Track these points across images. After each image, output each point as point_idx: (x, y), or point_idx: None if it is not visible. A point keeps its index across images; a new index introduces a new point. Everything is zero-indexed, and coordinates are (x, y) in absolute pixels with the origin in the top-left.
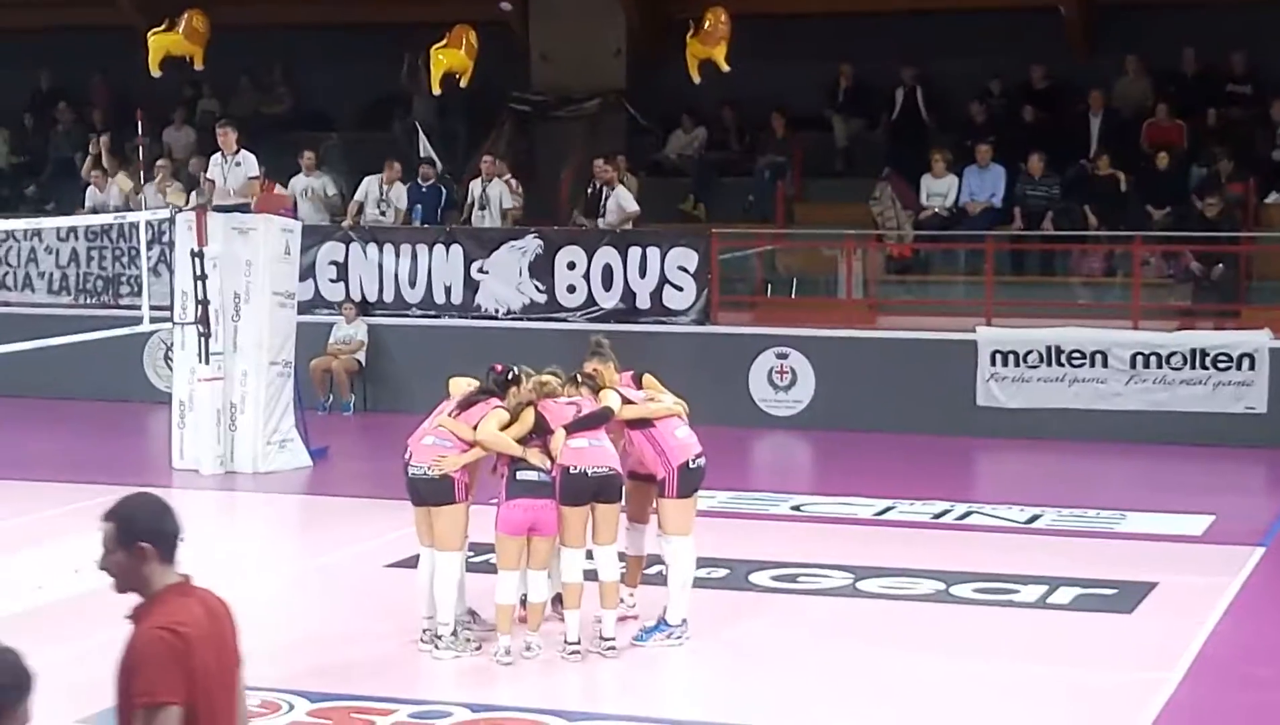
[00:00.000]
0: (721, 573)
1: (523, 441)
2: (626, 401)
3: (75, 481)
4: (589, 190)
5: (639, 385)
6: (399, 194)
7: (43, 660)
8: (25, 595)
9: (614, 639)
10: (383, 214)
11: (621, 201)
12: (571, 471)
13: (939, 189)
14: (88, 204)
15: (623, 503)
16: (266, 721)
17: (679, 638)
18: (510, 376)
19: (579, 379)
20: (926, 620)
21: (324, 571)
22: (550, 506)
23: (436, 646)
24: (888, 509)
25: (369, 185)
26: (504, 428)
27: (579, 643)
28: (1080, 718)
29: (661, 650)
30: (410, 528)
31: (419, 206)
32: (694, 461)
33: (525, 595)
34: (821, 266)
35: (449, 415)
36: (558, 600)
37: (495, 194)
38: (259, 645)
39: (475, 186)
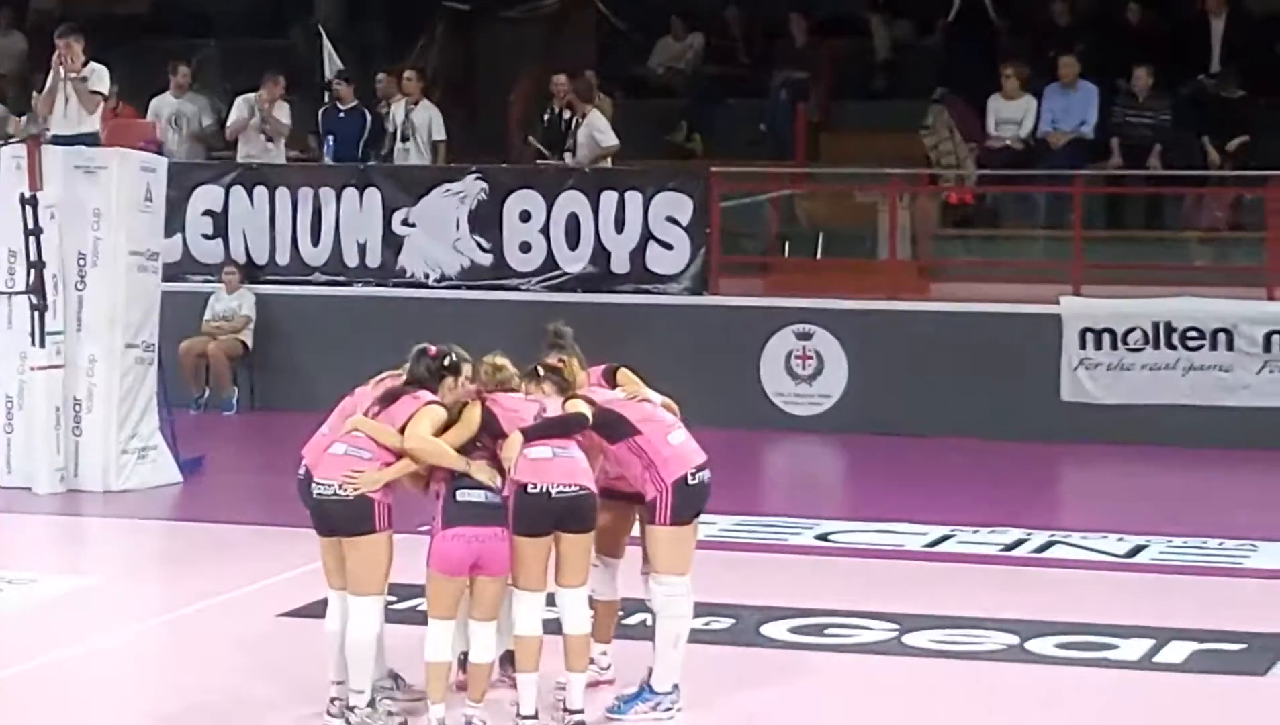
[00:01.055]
0: (725, 623)
1: (465, 450)
2: (600, 407)
3: None
4: (547, 115)
5: (613, 384)
6: (283, 113)
7: None
8: None
9: (582, 711)
10: (269, 140)
11: (595, 133)
12: (530, 490)
13: (1011, 114)
14: None
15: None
16: None
17: (668, 708)
18: (447, 362)
19: (540, 372)
20: (994, 685)
21: (197, 623)
22: (500, 536)
23: (349, 721)
24: (943, 539)
25: (240, 108)
26: (440, 431)
27: (536, 715)
28: None
29: None
30: (313, 563)
31: (331, 137)
32: (694, 475)
33: (466, 654)
34: (856, 217)
35: (366, 414)
36: (508, 660)
37: (423, 121)
38: (112, 720)
39: (396, 111)
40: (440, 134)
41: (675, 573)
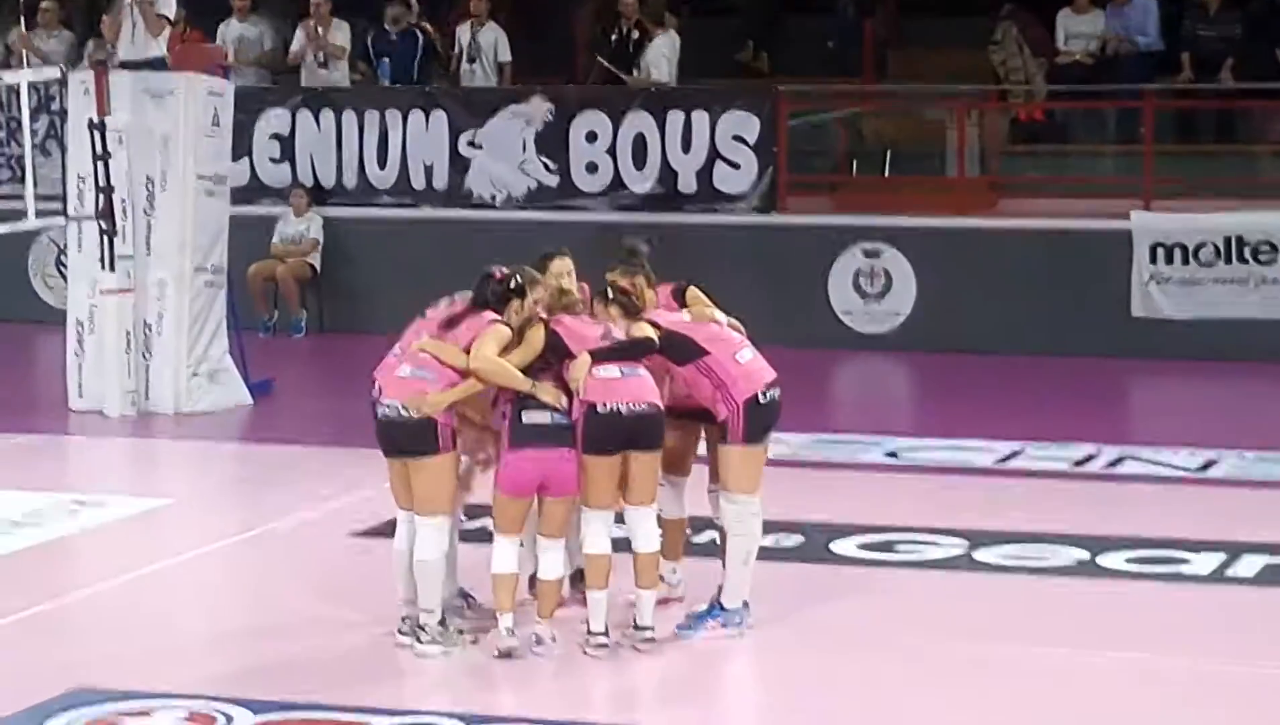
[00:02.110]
0: (794, 540)
1: (529, 371)
2: (666, 330)
3: None
4: (614, 35)
5: (681, 303)
6: (340, 35)
7: None
8: None
9: (652, 628)
10: (323, 65)
11: (665, 51)
12: (599, 410)
13: (1081, 28)
14: None
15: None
16: None
17: (738, 625)
18: (513, 285)
19: (608, 295)
20: (1066, 600)
21: (270, 543)
22: (568, 457)
23: (419, 640)
24: (1013, 454)
25: (300, 32)
26: (505, 351)
27: (606, 633)
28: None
29: (715, 643)
30: (383, 484)
31: (385, 61)
32: (765, 394)
33: (534, 572)
34: (924, 134)
35: (431, 336)
36: (578, 578)
37: (489, 42)
38: (185, 642)
39: (462, 32)
40: (506, 55)
41: (746, 491)
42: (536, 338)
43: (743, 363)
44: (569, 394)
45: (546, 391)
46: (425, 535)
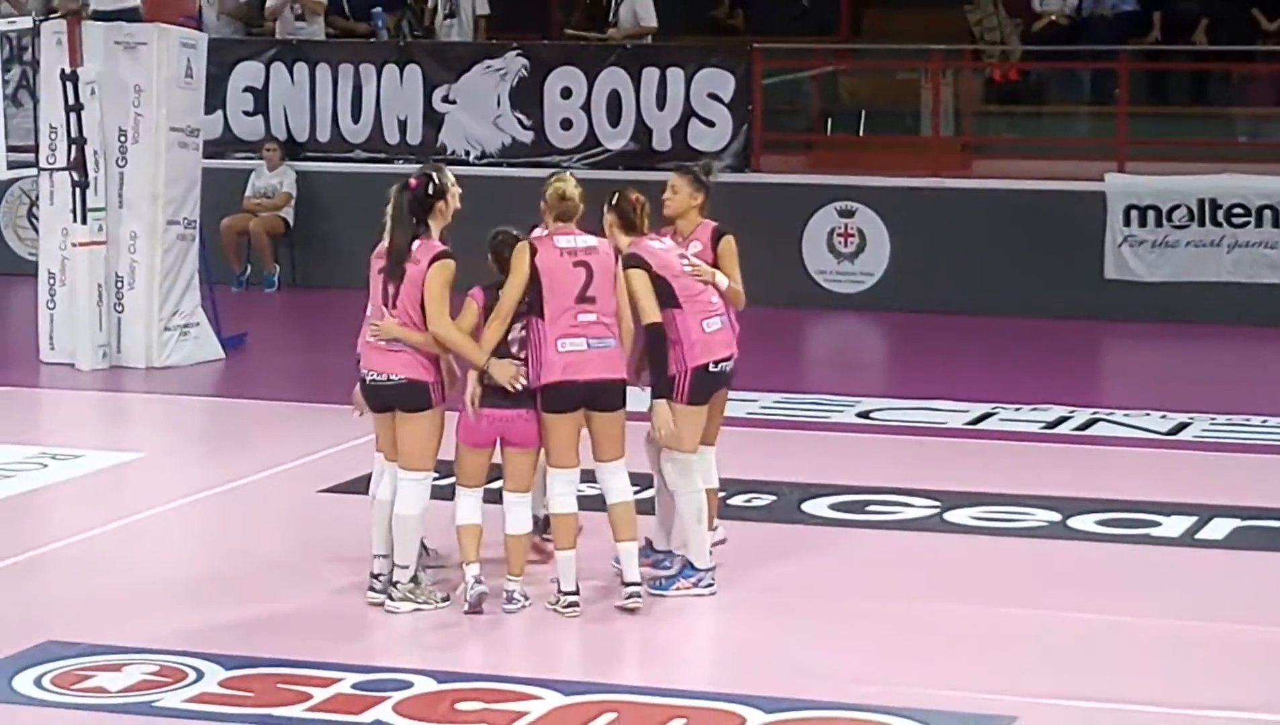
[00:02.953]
0: (766, 499)
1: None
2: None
3: None
4: None
5: (715, 247)
6: None
7: None
8: None
9: (639, 584)
10: (300, 19)
11: (637, 8)
12: (553, 387)
13: None
14: None
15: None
16: (167, 694)
17: (710, 584)
18: (431, 189)
19: (612, 201)
20: (1037, 561)
21: (240, 498)
22: (526, 417)
23: (390, 596)
24: (985, 416)
25: None
26: (452, 282)
27: (576, 591)
28: (1239, 683)
29: (686, 602)
30: (353, 441)
31: (380, 10)
32: (716, 365)
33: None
34: (899, 94)
35: (380, 292)
36: (546, 526)
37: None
38: (155, 596)
39: None
40: (484, 8)
41: (685, 450)
42: (521, 266)
43: (707, 331)
44: (526, 363)
45: (502, 369)
46: (407, 490)
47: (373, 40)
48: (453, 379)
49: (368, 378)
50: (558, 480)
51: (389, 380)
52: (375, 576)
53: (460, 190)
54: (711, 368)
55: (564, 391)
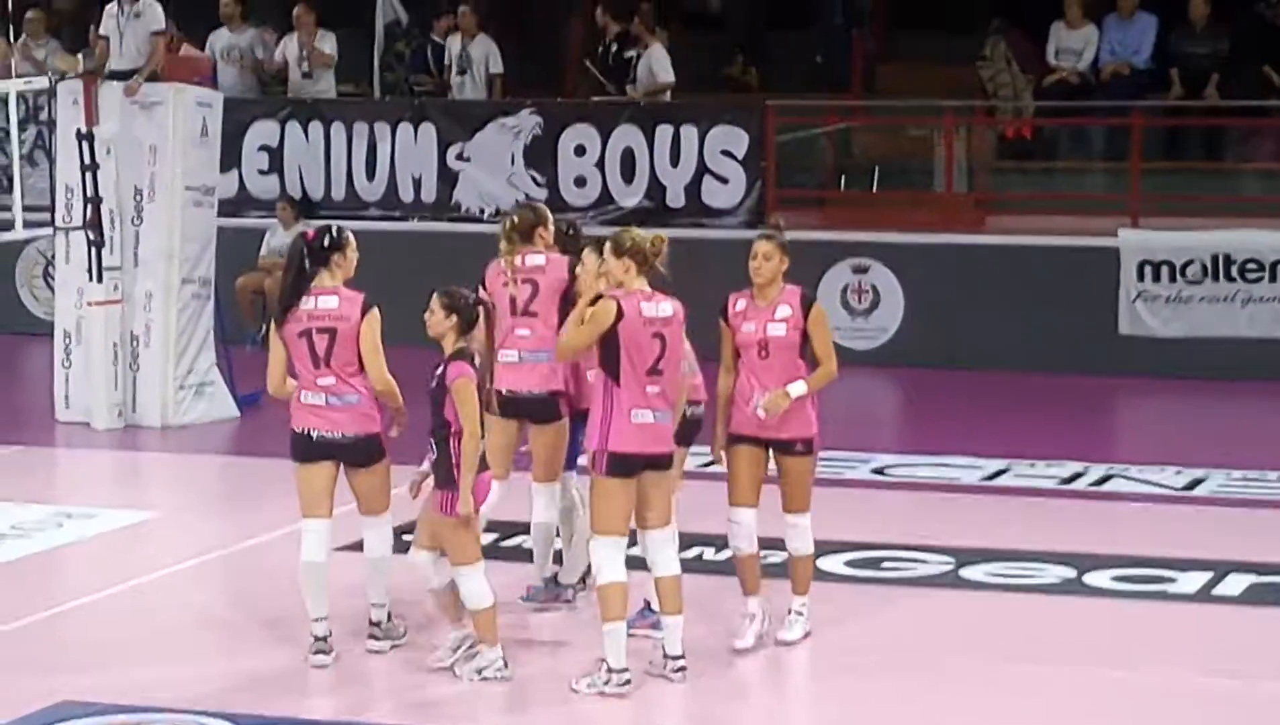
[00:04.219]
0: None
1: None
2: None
3: None
4: (601, 48)
5: (806, 313)
6: (328, 45)
7: None
8: None
9: (681, 658)
10: (308, 75)
11: (654, 66)
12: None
13: (1072, 44)
14: None
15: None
16: None
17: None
18: (327, 242)
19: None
20: (1052, 617)
21: (254, 557)
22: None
23: (374, 637)
24: (1001, 472)
25: (287, 43)
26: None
27: (625, 669)
28: None
29: (711, 669)
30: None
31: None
32: (689, 410)
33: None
34: (913, 150)
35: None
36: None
37: (480, 55)
38: (169, 656)
39: (453, 43)
40: (498, 67)
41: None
42: (602, 315)
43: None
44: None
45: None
46: (379, 533)
47: (383, 100)
48: (401, 418)
49: (313, 435)
50: (613, 548)
51: (341, 437)
52: (319, 638)
53: (356, 251)
54: (689, 413)
55: (632, 461)
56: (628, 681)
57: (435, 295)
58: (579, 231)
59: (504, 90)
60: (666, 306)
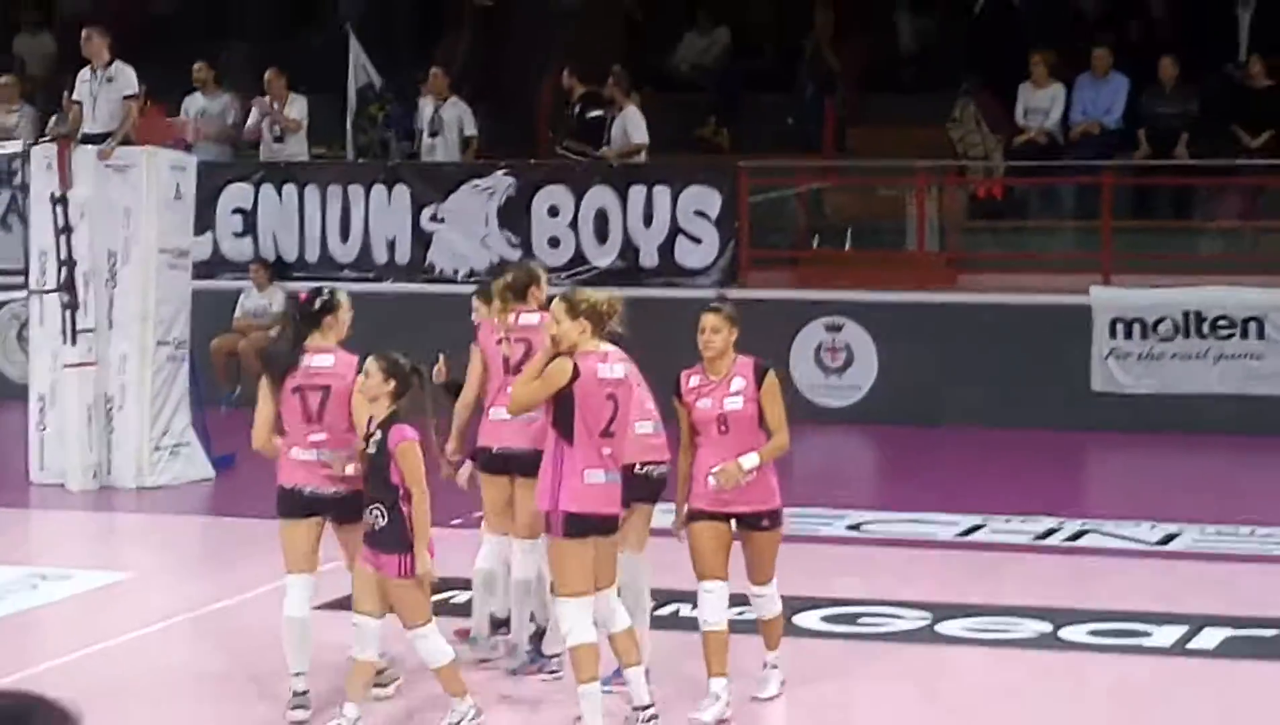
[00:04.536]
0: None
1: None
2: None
3: None
4: (571, 111)
5: (760, 381)
6: (296, 109)
7: None
8: None
9: (649, 706)
10: (279, 140)
11: (629, 127)
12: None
13: (1040, 103)
14: None
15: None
16: None
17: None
18: (319, 304)
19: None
20: (1028, 672)
21: (229, 617)
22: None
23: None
24: (975, 528)
25: (254, 110)
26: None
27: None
28: None
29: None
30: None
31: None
32: (642, 468)
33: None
34: (884, 210)
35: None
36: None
37: (452, 117)
38: (142, 717)
39: (425, 106)
40: (471, 129)
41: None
42: (557, 374)
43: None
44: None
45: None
46: None
47: (359, 161)
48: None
49: (305, 491)
50: (580, 609)
51: (333, 493)
52: (300, 694)
53: (350, 312)
54: (638, 470)
55: (588, 521)
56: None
57: (372, 359)
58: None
59: (478, 153)
60: (619, 368)
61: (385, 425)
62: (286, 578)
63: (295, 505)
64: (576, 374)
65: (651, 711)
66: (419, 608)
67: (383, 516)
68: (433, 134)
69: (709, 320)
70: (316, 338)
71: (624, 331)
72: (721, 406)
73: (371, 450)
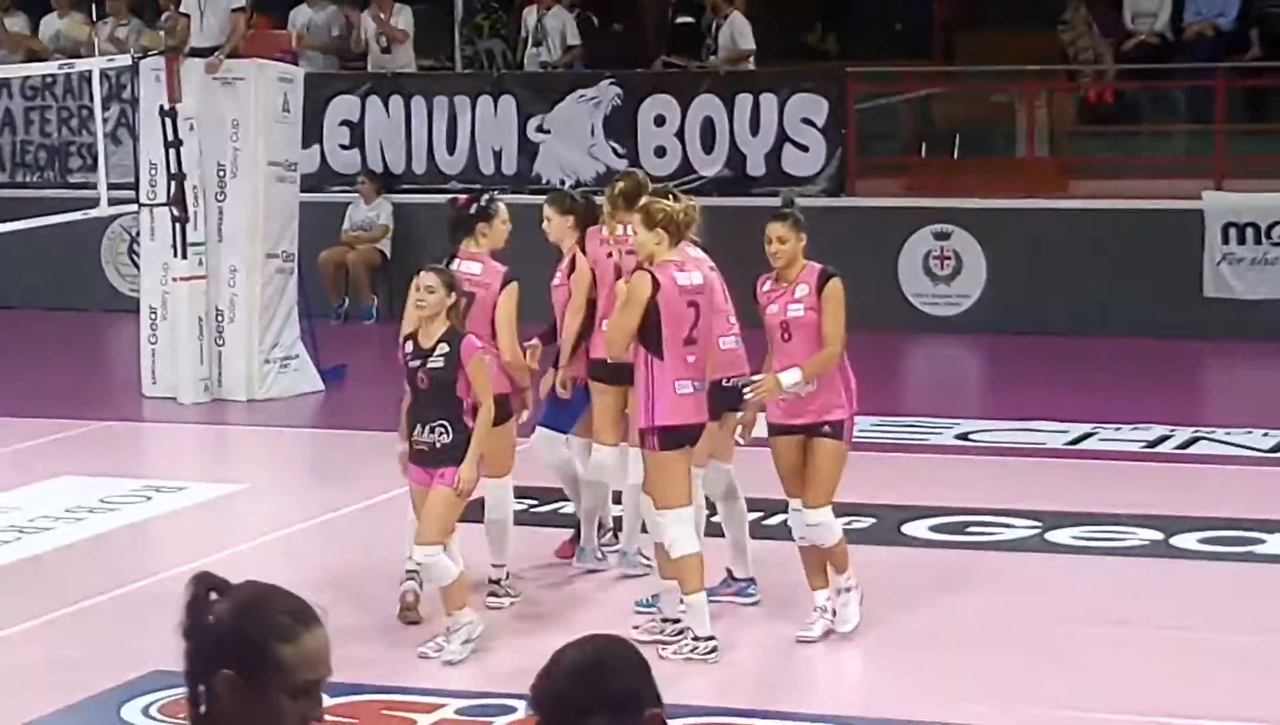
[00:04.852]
0: (866, 522)
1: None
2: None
3: (16, 416)
4: (674, 18)
5: (821, 288)
6: (403, 19)
7: None
8: None
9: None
10: (385, 50)
11: (736, 35)
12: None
13: (1147, 6)
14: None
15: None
16: None
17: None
18: (474, 210)
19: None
20: (1139, 580)
21: (341, 528)
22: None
23: (494, 594)
24: (1085, 437)
25: (365, 19)
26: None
27: (712, 636)
28: None
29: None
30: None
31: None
32: (728, 380)
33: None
34: (993, 116)
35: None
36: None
37: (555, 26)
38: None
39: (529, 15)
40: (575, 39)
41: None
42: (639, 290)
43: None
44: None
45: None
46: (501, 493)
47: (464, 73)
48: (526, 396)
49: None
50: (683, 521)
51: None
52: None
53: (507, 223)
54: (725, 383)
55: (682, 433)
56: (714, 649)
57: (432, 273)
58: (591, 202)
59: (583, 61)
60: (698, 275)
61: (451, 338)
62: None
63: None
64: (657, 285)
65: (713, 643)
66: (442, 523)
67: (446, 432)
68: (536, 43)
69: (774, 230)
70: (470, 244)
71: (701, 239)
72: (785, 313)
73: (438, 364)
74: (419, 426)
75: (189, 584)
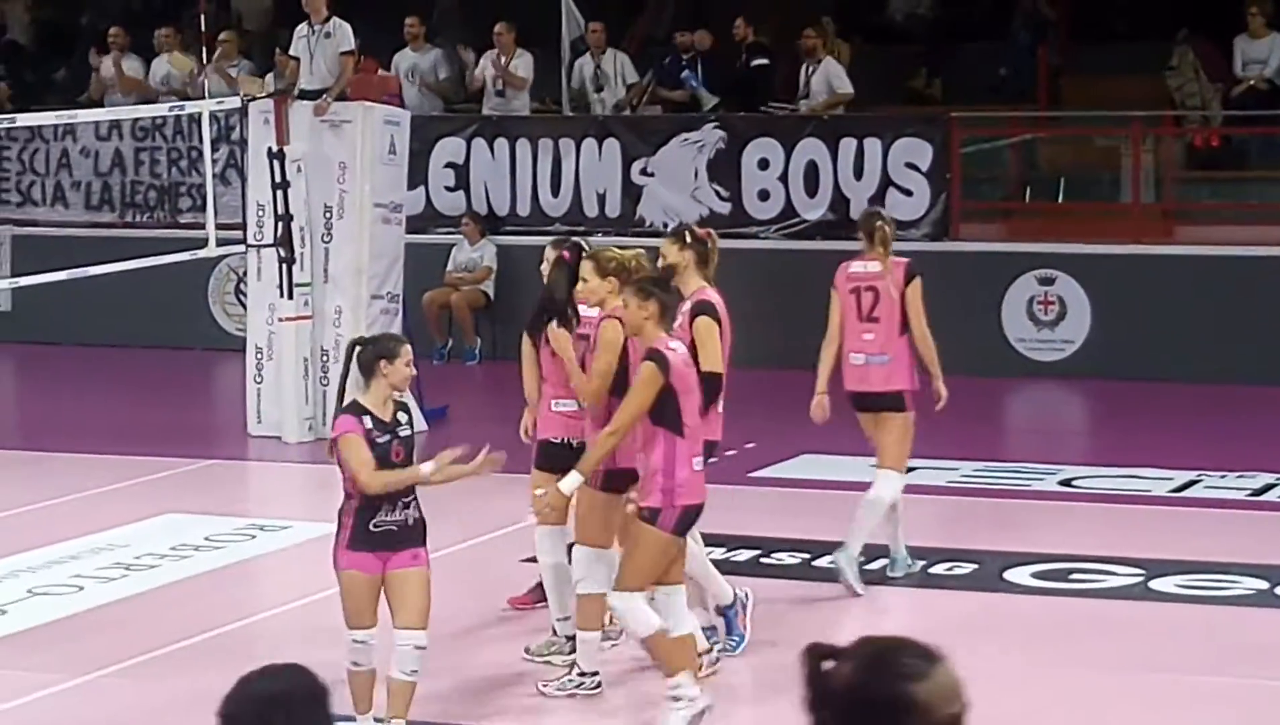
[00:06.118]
0: (968, 568)
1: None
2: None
3: (123, 453)
4: (749, 60)
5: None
6: (523, 66)
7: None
8: (61, 594)
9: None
10: (500, 94)
11: (830, 79)
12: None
13: (1257, 54)
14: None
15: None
16: None
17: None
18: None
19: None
20: (1243, 629)
21: (444, 567)
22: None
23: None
24: (1190, 483)
25: (485, 63)
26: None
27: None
28: None
29: None
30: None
31: (689, 74)
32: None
33: None
34: (1099, 161)
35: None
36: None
37: (613, 69)
38: None
39: (584, 65)
40: (633, 76)
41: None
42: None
43: (696, 469)
44: None
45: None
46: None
47: (570, 114)
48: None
49: (572, 443)
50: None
51: (567, 444)
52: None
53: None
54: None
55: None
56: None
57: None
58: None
59: (650, 98)
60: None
61: (403, 407)
62: (536, 528)
63: (553, 457)
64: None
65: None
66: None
67: (418, 508)
68: (598, 89)
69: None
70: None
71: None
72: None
73: (406, 433)
74: (386, 506)
75: (801, 659)
